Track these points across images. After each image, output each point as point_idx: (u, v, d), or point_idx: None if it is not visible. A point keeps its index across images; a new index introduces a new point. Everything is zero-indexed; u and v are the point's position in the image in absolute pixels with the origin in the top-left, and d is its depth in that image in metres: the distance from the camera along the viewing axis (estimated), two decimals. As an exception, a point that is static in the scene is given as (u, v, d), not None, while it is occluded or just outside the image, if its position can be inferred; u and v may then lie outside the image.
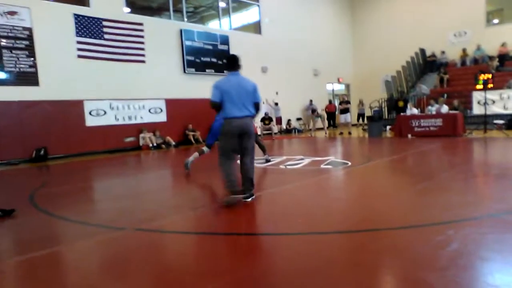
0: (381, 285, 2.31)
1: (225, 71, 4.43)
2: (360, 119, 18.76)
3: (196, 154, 7.05)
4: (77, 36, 11.91)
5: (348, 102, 15.50)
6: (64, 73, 11.61)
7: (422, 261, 2.48)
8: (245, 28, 17.93)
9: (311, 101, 18.66)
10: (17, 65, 10.77)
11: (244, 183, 4.34)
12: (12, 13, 10.65)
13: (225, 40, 15.86)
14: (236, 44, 16.21)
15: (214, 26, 17.09)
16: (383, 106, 16.86)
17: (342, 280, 2.31)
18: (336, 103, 19.93)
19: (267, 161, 7.69)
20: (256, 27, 18.00)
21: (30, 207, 4.83)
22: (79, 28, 11.94)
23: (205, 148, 6.98)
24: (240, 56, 4.54)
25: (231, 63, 4.37)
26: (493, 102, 12.92)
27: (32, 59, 11.02)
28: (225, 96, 4.18)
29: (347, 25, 22.76)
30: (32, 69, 11.04)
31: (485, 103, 12.31)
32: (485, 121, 11.87)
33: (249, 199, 4.34)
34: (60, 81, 11.50)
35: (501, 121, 12.51)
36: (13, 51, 10.68)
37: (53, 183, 7.07)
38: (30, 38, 10.96)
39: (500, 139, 10.03)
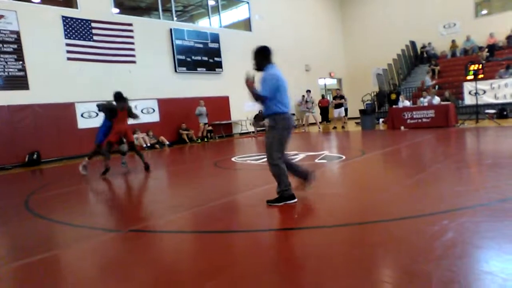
0: (378, 276, 2.32)
1: (265, 64, 3.96)
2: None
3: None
4: (66, 38, 11.78)
5: (342, 97, 15.54)
6: (54, 76, 11.49)
7: (418, 251, 2.50)
8: (235, 25, 17.87)
9: (303, 96, 18.66)
10: (5, 69, 10.63)
11: (302, 174, 4.10)
12: (-1, 16, 10.51)
13: (215, 38, 15.80)
14: (226, 42, 16.17)
15: (204, 24, 17.01)
16: (374, 99, 16.95)
17: (339, 272, 2.32)
18: (330, 98, 19.97)
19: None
20: (246, 24, 17.95)
21: (25, 212, 4.79)
22: (68, 30, 11.81)
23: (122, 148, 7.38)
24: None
25: (270, 54, 3.98)
26: (484, 92, 13.03)
27: (21, 62, 10.89)
28: (282, 89, 3.86)
29: (337, 19, 22.79)
30: (21, 73, 10.91)
31: (476, 93, 12.42)
32: (477, 111, 11.98)
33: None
34: (51, 84, 11.38)
35: (492, 111, 12.64)
36: (1, 55, 10.54)
37: (47, 187, 7.01)
38: (18, 41, 10.82)
39: (492, 128, 10.13)
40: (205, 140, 14.51)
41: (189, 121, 14.34)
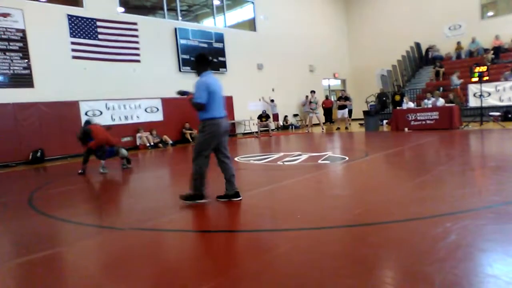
0: (380, 278, 2.32)
1: (201, 71, 4.23)
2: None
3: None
4: (71, 37, 11.84)
5: (347, 98, 15.51)
6: (59, 74, 11.55)
7: (421, 253, 2.49)
8: (240, 25, 17.88)
9: (307, 96, 18.64)
10: (11, 67, 10.70)
11: (232, 181, 4.30)
12: (5, 15, 10.57)
13: (220, 38, 15.81)
14: (231, 42, 16.18)
15: (209, 24, 17.03)
16: (379, 100, 16.91)
17: (342, 273, 2.32)
18: (334, 98, 19.94)
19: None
20: (251, 24, 17.96)
21: (29, 209, 4.81)
22: (73, 28, 11.87)
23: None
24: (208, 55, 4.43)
25: (207, 62, 4.24)
26: (489, 94, 12.96)
27: (26, 61, 10.95)
28: (212, 96, 4.05)
29: (342, 20, 22.74)
30: (27, 71, 10.97)
31: (481, 96, 12.35)
32: (481, 113, 11.92)
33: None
34: (55, 83, 11.44)
35: (497, 113, 12.56)
36: (7, 53, 10.61)
37: (51, 185, 7.05)
38: (23, 39, 10.89)
39: (496, 131, 10.07)
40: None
41: (192, 120, 14.35)
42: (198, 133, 4.26)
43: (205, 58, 4.22)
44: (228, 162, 4.31)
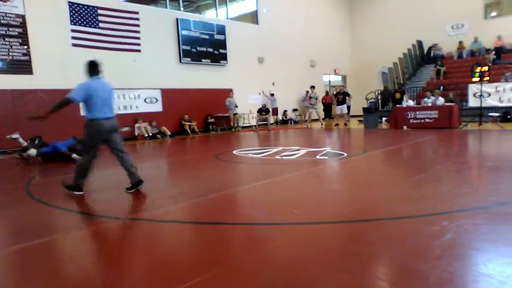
0: (375, 274, 2.33)
1: (90, 75, 4.62)
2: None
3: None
4: (71, 24, 11.74)
5: (346, 94, 15.46)
6: (59, 61, 11.47)
7: (417, 251, 2.50)
8: (242, 18, 17.77)
9: (307, 92, 18.61)
10: (10, 53, 10.62)
11: (133, 171, 4.65)
12: (5, -1, 10.46)
13: (221, 30, 15.72)
14: (232, 34, 16.09)
15: (211, 15, 16.92)
16: (378, 98, 16.89)
17: (337, 269, 2.33)
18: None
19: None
20: (253, 17, 17.85)
21: (26, 196, 4.81)
22: (74, 16, 11.77)
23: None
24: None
25: (96, 68, 4.63)
26: (489, 94, 12.96)
27: (26, 47, 10.86)
28: (94, 99, 4.41)
29: (345, 16, 22.62)
30: (26, 57, 10.89)
31: (481, 96, 12.35)
32: (481, 113, 11.92)
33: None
34: (55, 70, 11.36)
35: (496, 114, 12.57)
36: (6, 39, 10.51)
37: (49, 172, 7.04)
38: (23, 25, 10.79)
39: (495, 132, 10.09)
40: (233, 129, 15.39)
41: (192, 112, 14.33)
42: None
43: (94, 64, 4.62)
44: (123, 155, 4.66)
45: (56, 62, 11.43)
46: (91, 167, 4.64)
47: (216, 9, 16.63)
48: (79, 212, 4.03)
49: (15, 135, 8.34)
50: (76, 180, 4.61)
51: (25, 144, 8.22)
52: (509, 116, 12.53)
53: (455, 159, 6.42)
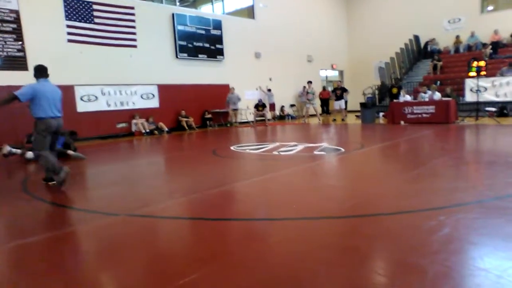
0: (373, 268, 2.33)
1: (38, 78, 5.07)
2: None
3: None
4: (66, 19, 11.64)
5: (344, 89, 15.44)
6: (54, 57, 11.35)
7: (414, 245, 2.51)
8: (238, 12, 17.66)
9: (304, 87, 18.59)
10: (4, 49, 10.52)
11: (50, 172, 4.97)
12: (-2, -6, 10.35)
13: (218, 25, 15.63)
14: (229, 29, 16.01)
15: (207, 10, 16.81)
16: (376, 93, 16.89)
17: (335, 263, 2.34)
18: (330, 89, 19.88)
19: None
20: (249, 12, 17.75)
21: (23, 193, 4.79)
22: (69, 11, 11.66)
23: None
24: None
25: (43, 71, 5.13)
26: (485, 89, 12.98)
27: (20, 43, 10.76)
28: (39, 99, 4.78)
29: (342, 11, 22.54)
30: (21, 53, 10.80)
31: (478, 90, 12.37)
32: (477, 108, 11.95)
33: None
34: (50, 66, 10.96)
35: (492, 108, 12.60)
36: (0, 35, 10.41)
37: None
38: (17, 21, 10.68)
39: (491, 126, 10.12)
40: (229, 125, 15.36)
41: (189, 108, 14.29)
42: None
43: (41, 68, 5.11)
44: (54, 154, 5.09)
45: (51, 58, 11.28)
46: (54, 157, 4.92)
47: (212, 4, 16.53)
48: (76, 209, 4.01)
49: (5, 150, 8.22)
50: (51, 173, 4.90)
51: (19, 151, 8.15)
52: (505, 111, 12.57)
53: (452, 154, 6.44)
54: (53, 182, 4.95)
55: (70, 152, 7.71)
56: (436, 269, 2.16)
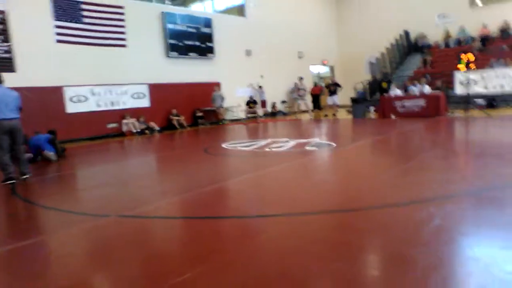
0: (365, 261, 2.34)
1: None
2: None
3: None
4: (55, 20, 11.48)
5: (337, 84, 15.43)
6: (43, 58, 11.22)
7: (406, 237, 2.53)
8: (228, 11, 17.59)
9: (295, 83, 18.58)
10: (-9, 51, 10.36)
11: (23, 166, 5.44)
12: (-16, -5, 10.17)
13: (208, 23, 15.55)
14: (219, 27, 15.94)
15: (197, 8, 16.72)
16: (367, 88, 16.95)
17: (328, 257, 2.34)
18: (322, 84, 19.92)
19: None
20: (240, 10, 17.69)
21: (12, 196, 4.72)
22: (57, 11, 11.50)
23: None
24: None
25: None
26: (475, 82, 13.09)
27: (8, 44, 10.60)
28: None
29: (332, 7, 22.57)
30: (8, 55, 10.63)
31: (468, 83, 12.47)
32: (467, 101, 12.06)
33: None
34: (38, 67, 11.12)
35: (482, 102, 12.73)
36: (-13, 36, 10.25)
37: (34, 172, 6.92)
38: (4, 22, 10.52)
39: (481, 119, 10.23)
40: (221, 123, 15.14)
41: (180, 106, 14.21)
42: None
43: None
44: (20, 155, 5.51)
45: (40, 59, 11.18)
46: (6, 158, 5.24)
47: (202, 2, 16.44)
48: (68, 211, 3.97)
49: None
50: (4, 174, 5.24)
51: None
52: (494, 103, 12.71)
53: (442, 147, 6.49)
54: (10, 182, 5.18)
55: (48, 153, 7.54)
56: (427, 259, 2.17)
